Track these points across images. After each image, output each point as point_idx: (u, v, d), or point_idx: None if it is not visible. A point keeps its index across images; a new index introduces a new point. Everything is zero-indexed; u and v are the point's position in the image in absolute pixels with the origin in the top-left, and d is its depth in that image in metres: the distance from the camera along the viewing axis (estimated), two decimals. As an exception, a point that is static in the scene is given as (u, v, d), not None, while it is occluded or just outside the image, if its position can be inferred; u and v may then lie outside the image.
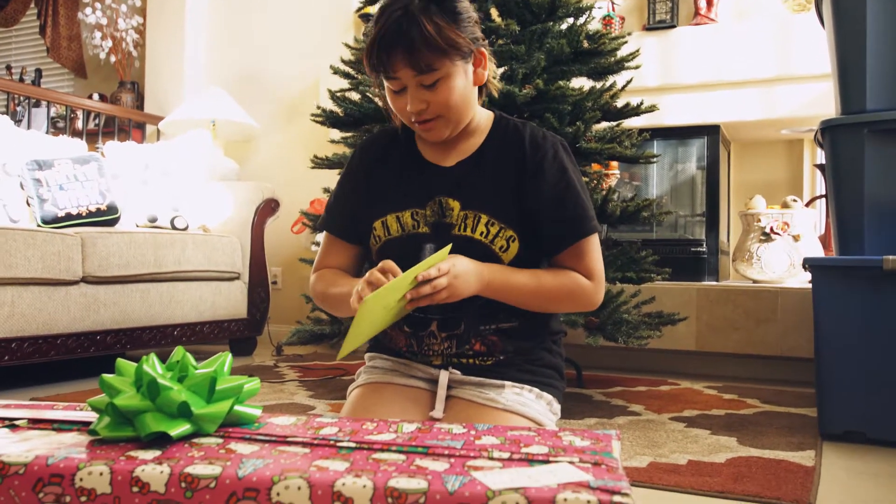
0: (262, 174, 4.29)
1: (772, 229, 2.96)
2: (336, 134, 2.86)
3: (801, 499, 1.38)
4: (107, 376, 0.84)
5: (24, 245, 2.47)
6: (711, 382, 2.74)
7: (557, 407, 1.22)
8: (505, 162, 1.19)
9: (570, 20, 2.35)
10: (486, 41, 1.18)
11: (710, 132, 3.20)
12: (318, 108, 2.42)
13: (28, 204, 2.88)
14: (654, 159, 2.39)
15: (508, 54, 2.20)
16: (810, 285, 1.94)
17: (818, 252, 3.02)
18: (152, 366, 0.84)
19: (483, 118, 1.23)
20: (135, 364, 0.86)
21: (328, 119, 2.41)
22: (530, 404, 1.16)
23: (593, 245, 1.19)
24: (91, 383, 2.68)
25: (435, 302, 1.05)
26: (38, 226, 2.84)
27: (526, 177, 1.18)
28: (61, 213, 2.89)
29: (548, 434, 0.85)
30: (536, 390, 1.18)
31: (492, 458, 0.75)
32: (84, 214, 2.95)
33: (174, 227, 3.27)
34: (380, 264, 1.07)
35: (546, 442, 0.82)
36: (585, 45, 2.26)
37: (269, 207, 3.60)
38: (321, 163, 2.48)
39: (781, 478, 1.52)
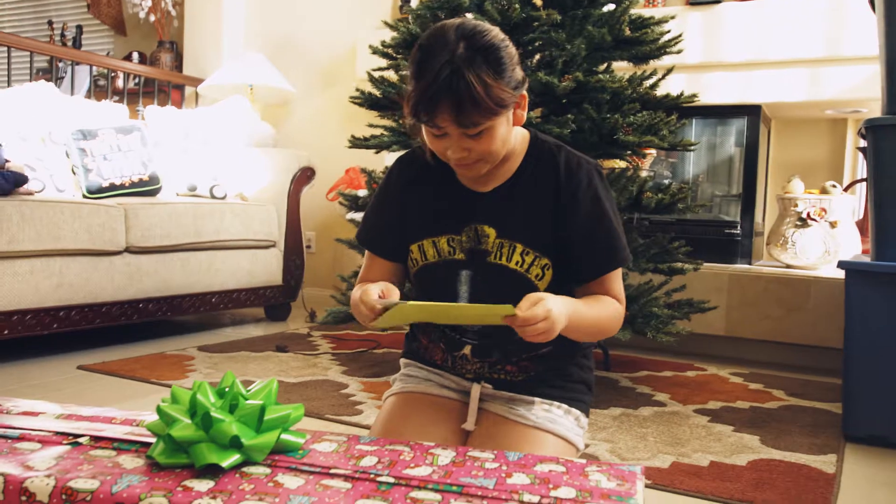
0: (298, 138, 4.33)
1: (808, 215, 2.94)
2: (367, 116, 2.86)
3: (820, 510, 1.42)
4: (163, 405, 0.89)
5: (72, 217, 2.55)
6: (738, 368, 2.76)
7: (585, 421, 1.26)
8: (539, 189, 1.19)
9: (612, 5, 2.32)
10: (527, 83, 1.15)
11: (751, 112, 3.15)
12: (357, 90, 2.44)
13: (73, 173, 2.96)
14: (692, 147, 2.38)
15: (548, 41, 2.19)
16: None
17: (855, 238, 2.99)
18: (205, 395, 0.90)
19: (518, 140, 1.22)
20: (189, 391, 0.92)
21: (366, 101, 2.43)
22: (559, 421, 1.20)
23: (619, 273, 1.21)
24: (134, 349, 2.79)
25: (529, 336, 1.02)
26: (84, 196, 2.92)
27: (560, 205, 1.18)
28: (105, 184, 2.96)
29: (575, 470, 0.90)
30: (565, 406, 1.22)
31: (522, 503, 0.80)
32: (127, 185, 3.02)
33: (213, 196, 3.33)
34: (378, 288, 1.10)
35: (573, 482, 0.86)
36: (627, 32, 2.24)
37: (304, 176, 3.64)
38: (359, 143, 2.51)
39: (802, 486, 1.55)
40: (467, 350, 1.23)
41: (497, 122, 1.09)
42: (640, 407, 2.15)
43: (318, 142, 4.24)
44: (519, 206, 1.19)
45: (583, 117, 2.13)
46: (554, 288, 1.17)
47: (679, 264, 2.32)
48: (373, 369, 2.55)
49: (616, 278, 1.20)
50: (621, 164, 2.51)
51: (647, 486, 1.54)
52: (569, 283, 1.20)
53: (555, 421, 1.20)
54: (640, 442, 1.82)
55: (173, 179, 3.32)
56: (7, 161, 2.47)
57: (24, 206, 2.41)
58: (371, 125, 2.54)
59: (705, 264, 2.95)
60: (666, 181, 3.13)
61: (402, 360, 1.37)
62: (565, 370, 1.25)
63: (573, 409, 1.23)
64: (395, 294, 1.11)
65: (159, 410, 0.89)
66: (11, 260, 2.40)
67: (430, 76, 1.04)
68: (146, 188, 3.08)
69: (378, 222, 1.30)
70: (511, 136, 1.16)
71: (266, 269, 3.48)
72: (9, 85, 3.76)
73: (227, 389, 0.94)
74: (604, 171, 2.45)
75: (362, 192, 2.61)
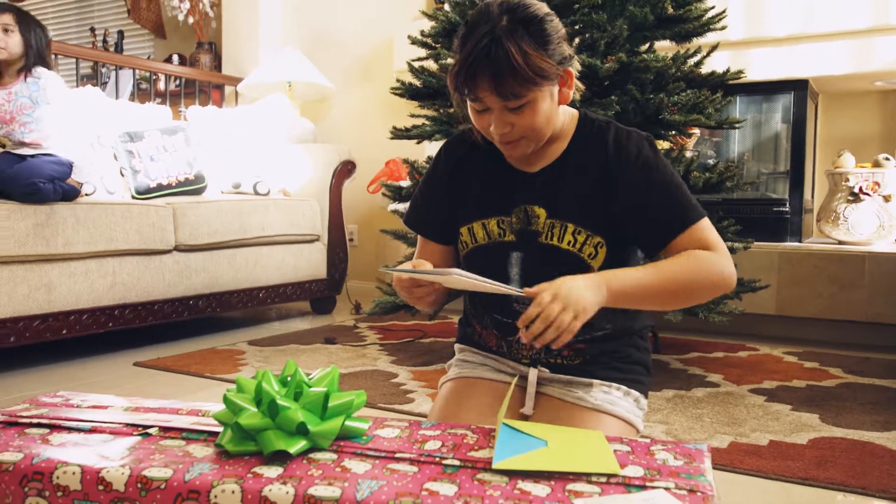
0: (337, 133, 4.36)
1: (861, 189, 2.86)
2: (408, 107, 2.85)
3: (889, 488, 1.39)
4: (230, 394, 0.91)
5: (123, 218, 2.61)
6: (791, 347, 2.71)
7: (644, 403, 1.25)
8: (590, 167, 1.18)
9: (653, -18, 2.28)
10: (574, 58, 1.15)
11: (798, 87, 3.07)
12: (397, 80, 2.44)
13: (122, 175, 3.02)
14: (738, 125, 2.34)
15: (589, 23, 2.16)
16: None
17: (910, 212, 2.91)
18: (269, 384, 0.91)
19: (567, 120, 1.20)
20: (253, 381, 0.93)
21: (407, 91, 2.43)
22: (618, 402, 1.19)
23: (704, 227, 1.12)
24: (185, 345, 2.84)
25: (561, 330, 0.98)
26: (133, 196, 2.98)
27: (610, 179, 1.15)
28: (153, 184, 3.02)
29: (641, 449, 0.89)
30: (624, 388, 1.21)
31: (590, 482, 0.79)
32: (174, 184, 3.07)
33: (257, 193, 3.37)
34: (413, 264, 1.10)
35: (640, 461, 0.85)
36: (670, 10, 2.20)
37: (345, 170, 3.67)
38: (401, 134, 2.51)
39: (867, 463, 1.52)
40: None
41: (539, 95, 1.08)
42: (693, 388, 2.13)
43: (358, 135, 4.26)
44: (569, 185, 1.18)
45: (626, 98, 2.10)
46: (610, 266, 1.15)
47: (728, 244, 2.27)
48: (421, 358, 2.56)
49: (700, 231, 1.11)
50: (666, 144, 2.48)
51: (706, 467, 1.52)
52: (626, 260, 1.18)
53: (614, 402, 1.19)
54: (696, 423, 1.80)
55: (217, 177, 3.37)
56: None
57: (77, 209, 2.47)
58: (413, 115, 2.55)
59: (755, 243, 2.90)
60: (711, 161, 3.07)
61: (457, 346, 1.37)
62: (622, 352, 1.24)
63: (632, 391, 1.22)
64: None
65: (226, 399, 0.91)
66: (67, 262, 2.46)
67: (470, 47, 1.05)
68: (192, 187, 3.13)
69: (426, 205, 1.31)
70: (557, 114, 1.15)
71: (310, 262, 3.51)
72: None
73: (289, 378, 0.95)
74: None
75: (405, 183, 2.62)
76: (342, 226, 3.69)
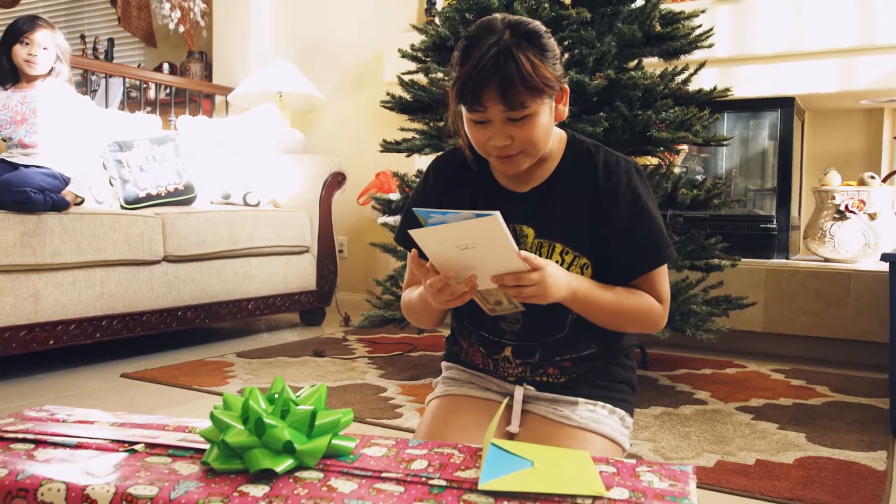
0: (328, 144, 4.36)
1: (847, 207, 2.89)
2: (396, 119, 2.85)
3: (872, 508, 1.40)
4: (216, 412, 0.91)
5: (111, 228, 2.60)
6: (779, 365, 2.73)
7: (630, 421, 1.25)
8: (578, 189, 1.19)
9: (642, 1, 2.31)
10: (567, 78, 1.18)
11: (784, 104, 3.10)
12: (387, 94, 2.45)
13: (111, 184, 3.01)
14: (726, 142, 2.36)
15: (578, 39, 2.18)
16: (887, 266, 1.91)
17: None
18: (256, 401, 0.91)
19: (555, 141, 1.22)
20: (240, 398, 0.93)
21: (397, 105, 2.44)
22: (604, 421, 1.20)
23: (662, 271, 1.21)
24: (174, 356, 2.83)
25: (522, 297, 1.05)
26: (122, 206, 2.97)
27: (599, 204, 1.17)
28: (142, 194, 3.01)
29: (626, 471, 0.89)
30: (609, 406, 1.21)
31: (575, 503, 0.80)
32: (163, 195, 3.07)
33: (246, 204, 3.37)
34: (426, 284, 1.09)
35: (626, 482, 0.86)
36: (658, 28, 2.23)
37: (335, 181, 3.67)
38: (391, 147, 2.52)
39: (852, 483, 1.53)
40: (508, 352, 1.23)
41: (540, 108, 1.10)
42: (680, 405, 2.13)
43: (348, 147, 4.27)
44: (558, 205, 1.19)
45: (615, 115, 2.12)
46: None
47: (716, 260, 2.29)
48: (410, 372, 2.56)
49: (658, 277, 1.20)
50: (654, 160, 2.49)
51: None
52: (610, 282, 1.20)
53: (599, 421, 1.19)
54: (684, 441, 1.80)
55: (207, 188, 3.36)
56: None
57: (65, 219, 2.46)
58: (402, 129, 2.55)
59: (741, 260, 2.91)
60: (699, 177, 3.09)
61: (444, 364, 1.37)
62: (607, 370, 1.25)
63: (618, 409, 1.23)
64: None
65: (213, 417, 0.90)
66: (55, 272, 2.45)
67: (477, 57, 1.06)
68: (181, 197, 3.12)
69: (416, 222, 1.31)
70: (552, 130, 1.17)
71: (300, 274, 3.51)
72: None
73: (277, 395, 0.95)
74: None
75: (395, 196, 2.62)
76: (332, 237, 3.69)
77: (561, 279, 1.08)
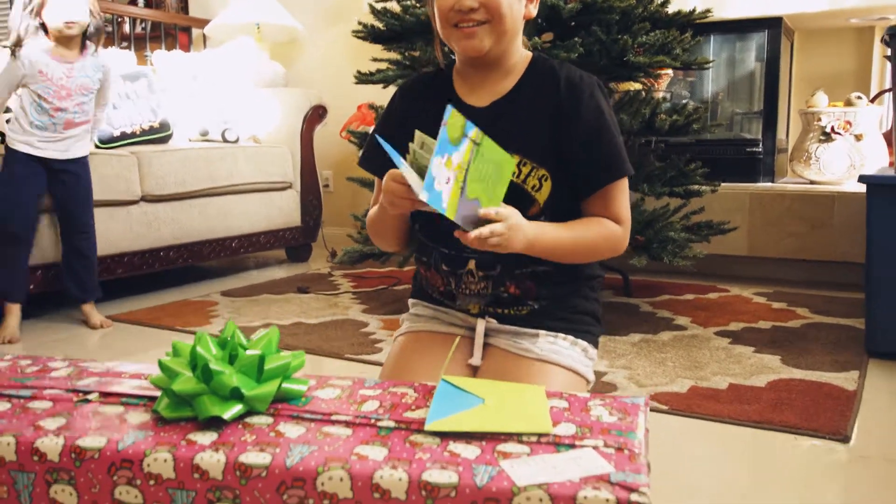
0: (309, 77, 4.27)
1: (832, 129, 2.84)
2: (378, 50, 2.77)
3: (839, 430, 1.42)
4: (165, 360, 0.90)
5: (84, 170, 2.56)
6: (762, 288, 2.73)
7: (594, 352, 1.25)
8: (540, 102, 1.19)
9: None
10: None
11: (772, 25, 3.02)
12: (360, 23, 2.38)
13: (84, 125, 2.95)
14: (708, 66, 2.30)
15: (553, -39, 2.10)
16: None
17: (882, 151, 2.90)
18: (206, 347, 0.90)
19: (520, 59, 1.22)
20: (190, 345, 0.92)
21: (370, 34, 2.37)
22: (564, 352, 1.20)
23: (622, 189, 1.19)
24: (159, 297, 2.83)
25: (484, 248, 1.03)
26: (96, 146, 2.92)
27: (561, 118, 1.17)
28: (116, 133, 2.96)
29: (578, 405, 0.89)
30: (571, 338, 1.21)
31: (521, 442, 0.80)
32: (138, 133, 3.01)
33: (225, 140, 3.32)
34: (388, 177, 1.10)
35: (574, 417, 0.86)
36: (635, -54, 2.14)
37: (316, 115, 3.61)
38: (365, 78, 2.46)
39: (821, 405, 1.55)
40: (472, 265, 1.22)
41: None
42: (659, 332, 2.15)
43: (329, 79, 4.18)
44: (518, 117, 1.19)
45: (591, 40, 2.06)
46: (554, 202, 1.17)
47: (696, 186, 2.26)
48: (392, 306, 2.57)
49: (617, 193, 1.19)
50: (636, 86, 2.44)
51: (664, 411, 1.54)
52: (571, 199, 1.18)
53: (560, 353, 1.20)
54: (659, 367, 1.82)
55: (184, 125, 3.31)
56: None
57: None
58: (375, 59, 2.49)
59: (726, 184, 2.89)
60: (683, 101, 3.04)
61: (410, 301, 1.36)
62: (569, 301, 1.24)
63: (580, 341, 1.22)
64: None
65: (161, 365, 0.90)
66: (29, 216, 2.42)
67: None
68: (157, 135, 3.07)
69: (379, 147, 1.30)
70: (519, 21, 1.17)
71: (283, 210, 3.49)
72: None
73: (228, 339, 0.94)
74: (617, 94, 2.39)
75: (372, 128, 2.57)
76: (315, 172, 3.65)
77: (522, 228, 1.07)
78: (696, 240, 2.28)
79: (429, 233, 1.28)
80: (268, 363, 0.90)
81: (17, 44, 2.20)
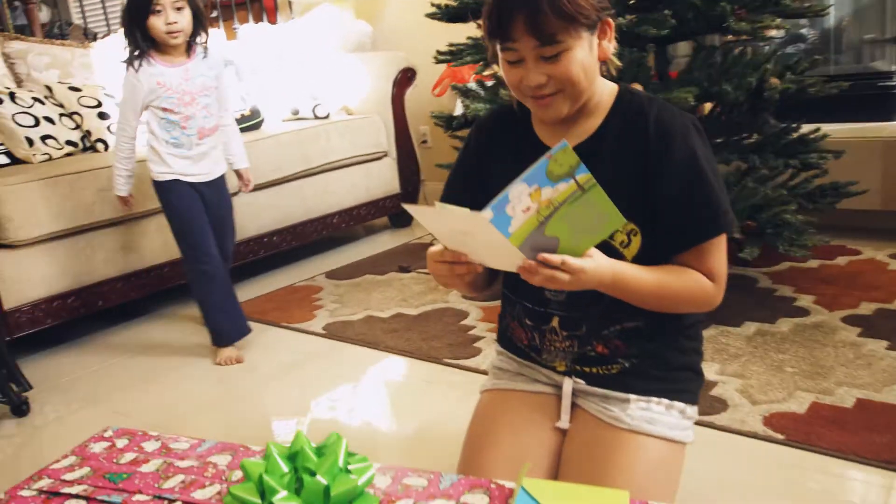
0: (396, 37, 4.13)
1: (985, 55, 2.47)
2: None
3: None
4: (234, 489, 0.88)
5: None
6: (899, 247, 2.47)
7: (693, 410, 1.15)
8: (626, 148, 1.07)
9: None
10: (613, 10, 1.05)
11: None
12: (432, 4, 2.24)
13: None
14: (826, 11, 2.02)
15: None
16: None
17: None
18: (274, 470, 0.88)
19: (605, 94, 1.10)
20: (260, 465, 0.90)
21: (444, 15, 2.25)
22: (658, 419, 1.10)
23: (719, 245, 1.07)
24: (265, 282, 2.89)
25: (550, 286, 0.97)
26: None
27: (650, 166, 1.05)
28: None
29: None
30: (665, 401, 1.11)
31: None
32: (230, 124, 3.02)
33: (316, 117, 3.29)
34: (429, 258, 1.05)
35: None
36: None
37: (405, 78, 3.51)
38: (444, 58, 2.34)
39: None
40: (555, 322, 1.14)
41: (577, 43, 1.00)
42: (778, 319, 1.98)
43: (416, 34, 4.03)
44: (603, 164, 1.06)
45: (683, 8, 1.84)
46: (643, 260, 1.06)
47: (814, 155, 2.03)
48: (491, 290, 2.50)
49: (714, 250, 1.07)
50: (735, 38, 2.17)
51: (779, 441, 1.42)
52: (664, 255, 1.07)
53: (654, 420, 1.10)
54: (776, 375, 1.67)
55: (274, 107, 3.30)
56: None
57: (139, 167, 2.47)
58: (451, 45, 2.34)
59: (853, 126, 2.58)
60: (797, 48, 2.70)
61: (496, 349, 1.30)
62: (663, 357, 1.13)
63: (676, 403, 1.12)
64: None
65: (231, 495, 0.88)
66: (139, 220, 2.50)
67: None
68: (249, 123, 3.08)
69: (458, 187, 1.24)
70: (595, 71, 1.06)
71: (381, 180, 3.46)
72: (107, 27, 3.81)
73: (298, 453, 0.92)
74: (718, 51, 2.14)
75: (457, 112, 2.47)
76: (409, 136, 3.58)
77: (601, 270, 0.98)
78: (820, 208, 2.05)
79: (511, 285, 1.21)
80: (334, 489, 0.87)
81: (136, 56, 2.05)
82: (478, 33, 2.24)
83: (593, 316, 1.11)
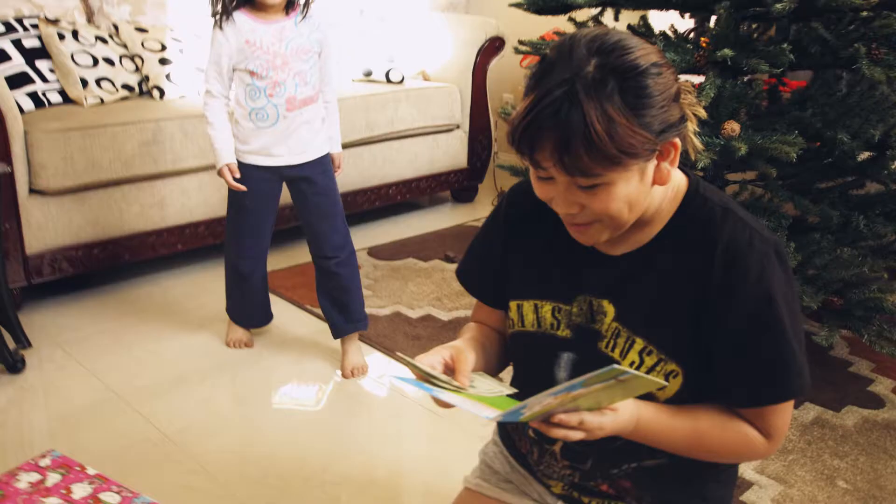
0: (489, 5, 3.87)
1: None
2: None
3: None
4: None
5: (233, 129, 2.49)
6: None
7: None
8: (684, 267, 0.85)
9: None
10: (682, 128, 0.81)
11: None
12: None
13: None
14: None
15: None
16: None
17: None
18: None
19: (667, 197, 0.87)
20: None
21: (531, 5, 2.03)
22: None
23: (785, 408, 0.86)
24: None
25: (560, 435, 0.80)
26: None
27: (710, 298, 0.83)
28: (274, 79, 2.84)
29: None
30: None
31: None
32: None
33: (389, 81, 3.11)
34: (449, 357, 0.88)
35: None
36: None
37: (492, 47, 3.28)
38: (528, 50, 2.12)
39: None
40: (556, 447, 0.96)
41: (622, 175, 0.78)
42: (845, 406, 1.73)
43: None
44: (652, 284, 0.87)
45: (809, 39, 1.56)
46: (681, 400, 0.87)
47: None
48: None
49: (779, 411, 0.86)
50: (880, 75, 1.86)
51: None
52: (703, 397, 0.87)
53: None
54: (823, 489, 1.45)
55: (347, 64, 3.13)
56: None
57: (185, 124, 2.37)
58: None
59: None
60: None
61: (494, 437, 1.13)
62: (687, 487, 0.94)
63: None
64: (463, 363, 0.87)
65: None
66: (178, 177, 2.41)
67: (537, 98, 0.75)
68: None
69: (478, 262, 1.05)
70: (646, 196, 0.83)
71: (449, 153, 3.27)
72: None
73: None
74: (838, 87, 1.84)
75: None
76: (486, 110, 3.37)
77: (624, 421, 0.82)
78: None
79: (521, 383, 0.98)
80: None
81: (225, 10, 1.75)
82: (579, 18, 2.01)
83: (605, 452, 0.92)
